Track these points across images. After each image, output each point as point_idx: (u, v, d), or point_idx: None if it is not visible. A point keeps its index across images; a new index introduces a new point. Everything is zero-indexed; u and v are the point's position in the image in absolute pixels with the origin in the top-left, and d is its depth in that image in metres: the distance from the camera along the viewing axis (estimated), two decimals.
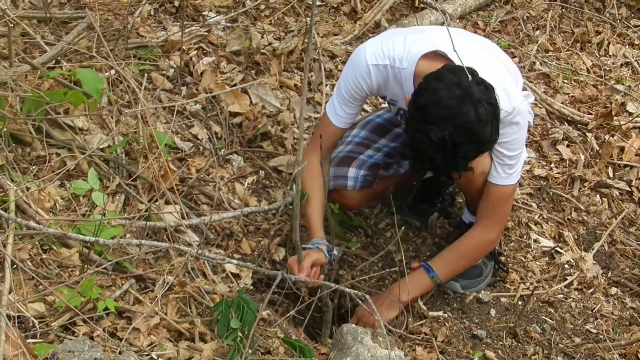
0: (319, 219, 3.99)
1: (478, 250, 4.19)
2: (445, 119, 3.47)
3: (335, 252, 3.95)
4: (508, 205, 4.16)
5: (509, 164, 3.95)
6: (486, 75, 3.59)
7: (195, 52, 4.99)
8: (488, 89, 3.53)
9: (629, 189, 5.19)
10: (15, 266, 3.30)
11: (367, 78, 3.87)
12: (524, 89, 4.56)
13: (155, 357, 3.25)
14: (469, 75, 3.44)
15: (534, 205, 4.93)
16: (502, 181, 3.98)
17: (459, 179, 3.89)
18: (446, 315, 4.17)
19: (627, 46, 6.28)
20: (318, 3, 5.76)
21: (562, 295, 4.46)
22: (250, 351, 3.29)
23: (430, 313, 4.14)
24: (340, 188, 4.20)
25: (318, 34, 5.33)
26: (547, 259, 4.63)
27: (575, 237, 4.79)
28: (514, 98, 3.79)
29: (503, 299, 4.35)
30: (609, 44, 6.26)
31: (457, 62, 3.62)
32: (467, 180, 4.00)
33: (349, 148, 4.26)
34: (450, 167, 3.61)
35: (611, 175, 5.25)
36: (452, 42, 3.26)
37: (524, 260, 4.58)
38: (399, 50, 3.81)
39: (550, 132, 5.38)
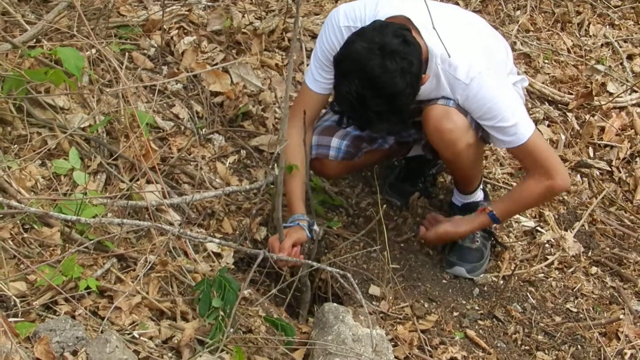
0: (300, 195, 3.99)
1: (542, 199, 4.31)
2: (353, 72, 3.54)
3: (316, 228, 3.95)
4: (544, 147, 4.04)
5: (509, 126, 3.86)
6: (453, 46, 3.58)
7: (176, 31, 4.97)
8: (408, 44, 3.54)
9: (610, 169, 5.22)
10: None
11: (340, 39, 3.85)
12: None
13: (137, 336, 3.25)
14: (399, 31, 3.53)
15: (515, 185, 4.93)
16: (518, 141, 3.89)
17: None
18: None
19: (607, 26, 6.29)
20: None
21: (542, 275, 4.48)
22: (231, 330, 3.29)
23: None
24: (321, 157, 4.18)
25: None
26: (528, 238, 4.65)
27: (556, 216, 4.81)
28: (474, 70, 3.77)
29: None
30: (589, 24, 6.26)
31: (421, 28, 3.65)
32: (453, 155, 4.00)
33: (335, 117, 4.22)
34: (364, 121, 3.66)
35: (592, 155, 5.28)
36: (428, 12, 3.25)
37: (505, 239, 4.59)
38: (369, 13, 3.83)
39: (531, 112, 5.37)
